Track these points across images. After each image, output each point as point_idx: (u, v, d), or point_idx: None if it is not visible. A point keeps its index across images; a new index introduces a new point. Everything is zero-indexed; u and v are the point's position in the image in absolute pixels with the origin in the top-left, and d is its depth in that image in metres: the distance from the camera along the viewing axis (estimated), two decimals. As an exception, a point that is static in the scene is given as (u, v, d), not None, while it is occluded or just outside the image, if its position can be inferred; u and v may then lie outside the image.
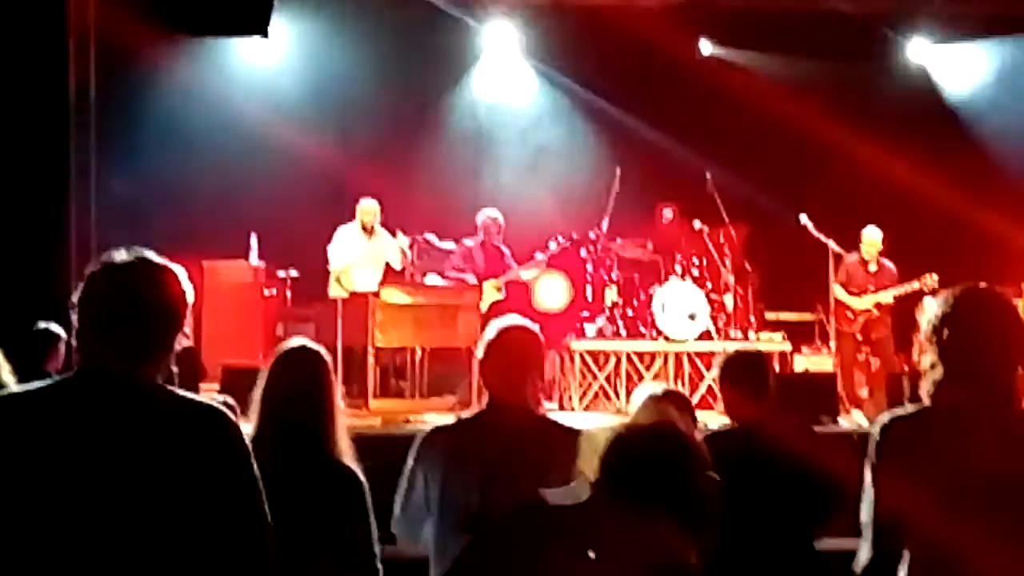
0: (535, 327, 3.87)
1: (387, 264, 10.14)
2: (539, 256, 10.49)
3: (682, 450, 2.43)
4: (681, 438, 2.47)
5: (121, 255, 2.60)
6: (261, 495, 2.57)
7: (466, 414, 3.94)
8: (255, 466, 2.57)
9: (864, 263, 10.15)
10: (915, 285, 9.86)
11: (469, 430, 3.79)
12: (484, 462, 3.58)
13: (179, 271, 2.65)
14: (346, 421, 3.76)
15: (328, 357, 3.80)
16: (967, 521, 2.78)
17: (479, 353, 3.82)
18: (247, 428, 3.43)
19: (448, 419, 4.06)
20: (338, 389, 3.77)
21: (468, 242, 10.47)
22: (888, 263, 10.14)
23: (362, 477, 3.67)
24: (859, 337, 10.12)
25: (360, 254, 10.08)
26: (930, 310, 3.00)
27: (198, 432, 2.53)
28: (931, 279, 9.74)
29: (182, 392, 2.58)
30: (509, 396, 3.72)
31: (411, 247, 10.76)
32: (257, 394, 3.67)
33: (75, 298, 2.57)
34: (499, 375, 3.77)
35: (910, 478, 2.85)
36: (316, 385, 3.66)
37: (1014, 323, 2.95)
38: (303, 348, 3.78)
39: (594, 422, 8.88)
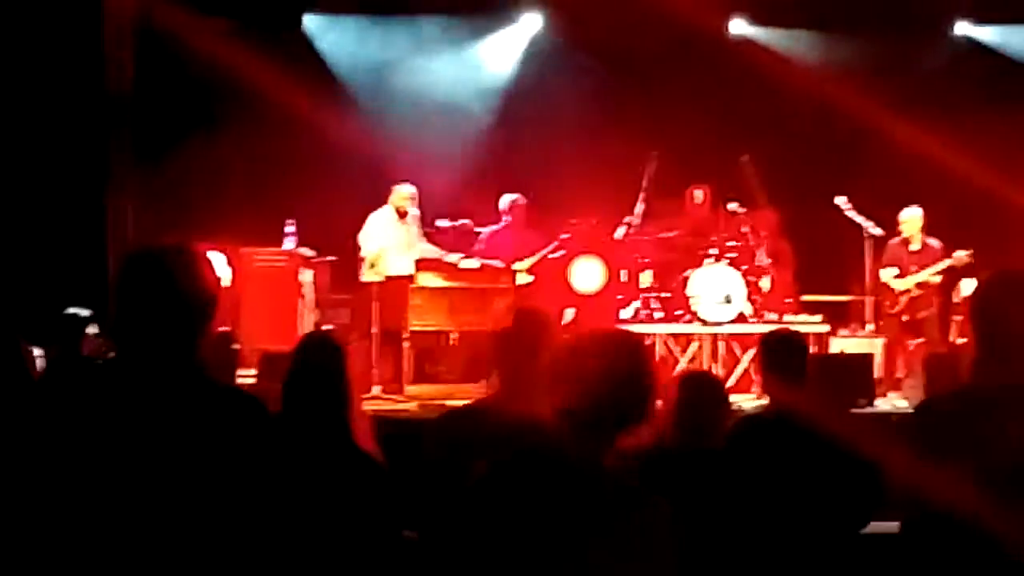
0: (544, 311, 3.91)
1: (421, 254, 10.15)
2: (563, 237, 10.54)
3: (618, 380, 2.48)
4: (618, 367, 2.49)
5: (154, 245, 2.64)
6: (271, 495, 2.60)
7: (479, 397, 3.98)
8: (277, 457, 2.61)
9: (905, 243, 10.08)
10: (948, 262, 9.80)
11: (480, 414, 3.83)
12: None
13: (214, 258, 2.67)
14: (366, 407, 3.80)
15: (344, 345, 3.84)
16: (1000, 504, 2.76)
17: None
18: None
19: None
20: (355, 376, 3.78)
21: (494, 228, 10.52)
22: (932, 241, 10.05)
23: (381, 461, 3.70)
24: (905, 318, 10.04)
25: (395, 239, 10.10)
26: (967, 293, 3.00)
27: (232, 419, 2.56)
28: (963, 254, 9.67)
29: (214, 381, 2.61)
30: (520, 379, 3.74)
31: (447, 231, 10.82)
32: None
33: (113, 285, 2.62)
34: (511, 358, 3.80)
35: (944, 460, 2.83)
36: (330, 373, 3.69)
37: None
38: (317, 336, 3.85)
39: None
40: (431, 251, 10.23)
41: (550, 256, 10.54)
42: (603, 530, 2.41)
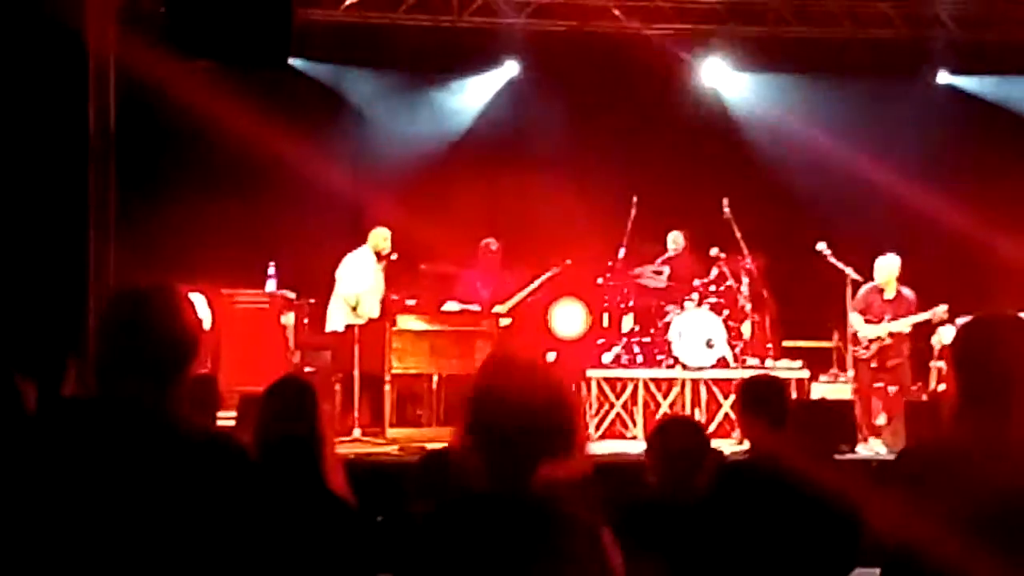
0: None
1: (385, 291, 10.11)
2: (549, 274, 10.56)
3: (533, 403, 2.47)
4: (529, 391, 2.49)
5: (137, 285, 2.63)
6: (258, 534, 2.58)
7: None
8: (262, 501, 2.59)
9: (880, 291, 10.09)
10: (926, 315, 9.80)
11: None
12: None
13: (196, 299, 2.66)
14: (347, 450, 3.78)
15: (315, 389, 3.82)
16: (980, 552, 2.75)
17: None
18: None
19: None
20: (327, 419, 3.76)
21: (470, 273, 10.56)
22: (906, 291, 10.06)
23: (352, 503, 3.69)
24: (874, 365, 10.04)
25: (372, 281, 10.08)
26: (947, 339, 3.00)
27: (212, 462, 2.53)
28: (940, 310, 9.68)
29: (196, 424, 2.60)
30: None
31: (429, 274, 10.88)
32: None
33: (96, 324, 2.61)
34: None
35: (923, 507, 2.82)
36: (301, 417, 3.68)
37: None
38: (288, 380, 3.84)
39: (610, 449, 8.88)
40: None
41: (529, 299, 10.54)
42: (540, 557, 2.41)
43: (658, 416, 9.71)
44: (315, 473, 3.61)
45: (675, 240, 11.14)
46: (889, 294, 10.04)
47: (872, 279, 10.17)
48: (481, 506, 2.49)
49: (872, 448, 9.26)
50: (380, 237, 10.17)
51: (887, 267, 10.06)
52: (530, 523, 2.43)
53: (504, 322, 10.35)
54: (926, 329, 9.95)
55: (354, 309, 9.99)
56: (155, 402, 2.54)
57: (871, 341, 9.96)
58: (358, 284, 10.07)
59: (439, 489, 3.60)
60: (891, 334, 9.88)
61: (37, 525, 2.44)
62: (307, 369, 9.85)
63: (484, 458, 2.48)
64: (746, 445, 4.77)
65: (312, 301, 11.08)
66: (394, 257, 10.21)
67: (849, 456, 8.50)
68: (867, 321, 9.99)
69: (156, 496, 2.45)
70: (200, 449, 2.54)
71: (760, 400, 4.59)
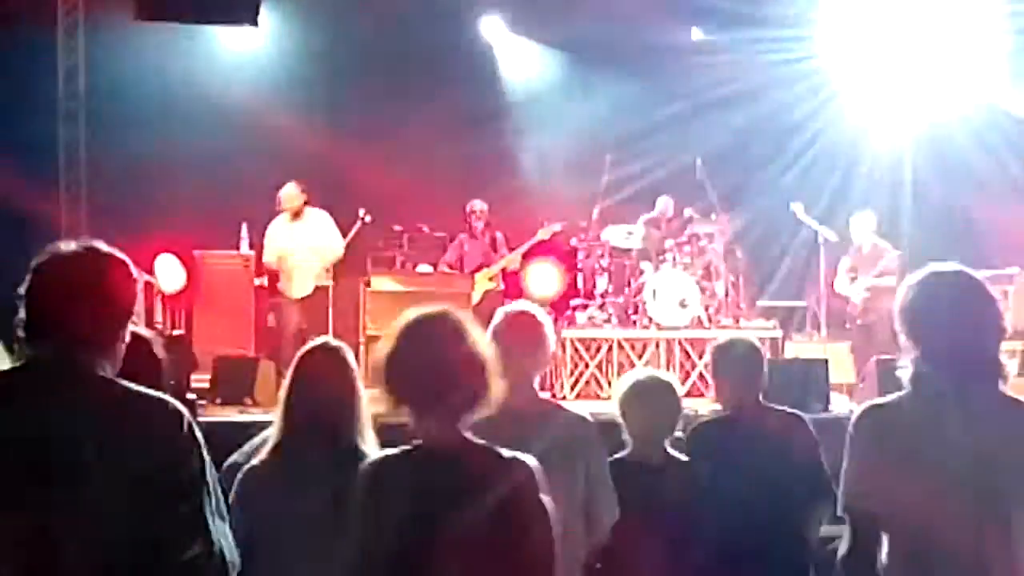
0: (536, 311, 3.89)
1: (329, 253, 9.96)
2: (525, 247, 10.52)
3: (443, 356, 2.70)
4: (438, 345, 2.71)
5: (68, 245, 2.57)
6: (207, 497, 2.53)
7: None
8: (206, 465, 2.54)
9: (859, 249, 10.15)
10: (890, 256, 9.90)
11: None
12: None
13: (127, 261, 2.60)
14: (370, 412, 3.71)
15: (350, 349, 3.79)
16: (944, 506, 2.77)
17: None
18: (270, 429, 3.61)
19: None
20: (360, 382, 3.72)
21: (461, 236, 10.52)
22: (884, 244, 10.13)
23: None
24: (859, 321, 10.10)
25: (291, 242, 9.95)
26: (900, 294, 2.97)
27: (145, 426, 2.48)
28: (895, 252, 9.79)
29: (131, 385, 2.53)
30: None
31: (403, 235, 10.84)
32: (282, 394, 3.68)
33: (22, 289, 2.55)
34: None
35: (884, 464, 2.84)
36: (340, 382, 3.65)
37: (986, 304, 2.92)
38: (323, 346, 3.78)
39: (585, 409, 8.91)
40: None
41: (509, 268, 10.52)
42: (472, 497, 2.64)
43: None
44: (351, 434, 3.59)
45: (663, 205, 11.11)
46: (867, 249, 10.11)
47: (848, 239, 10.22)
48: (417, 456, 2.70)
49: (847, 407, 9.29)
50: (282, 198, 9.96)
51: (859, 225, 10.11)
52: (461, 467, 2.66)
53: (488, 286, 10.31)
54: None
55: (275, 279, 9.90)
56: (85, 366, 2.49)
57: (855, 298, 10.07)
58: (271, 250, 9.99)
59: None
60: (870, 288, 9.95)
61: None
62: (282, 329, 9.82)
63: (412, 415, 2.70)
64: (719, 406, 4.78)
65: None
66: (368, 219, 10.17)
67: (822, 415, 8.53)
68: (852, 280, 10.08)
69: (89, 460, 2.41)
70: (136, 413, 2.49)
71: (734, 361, 4.59)
